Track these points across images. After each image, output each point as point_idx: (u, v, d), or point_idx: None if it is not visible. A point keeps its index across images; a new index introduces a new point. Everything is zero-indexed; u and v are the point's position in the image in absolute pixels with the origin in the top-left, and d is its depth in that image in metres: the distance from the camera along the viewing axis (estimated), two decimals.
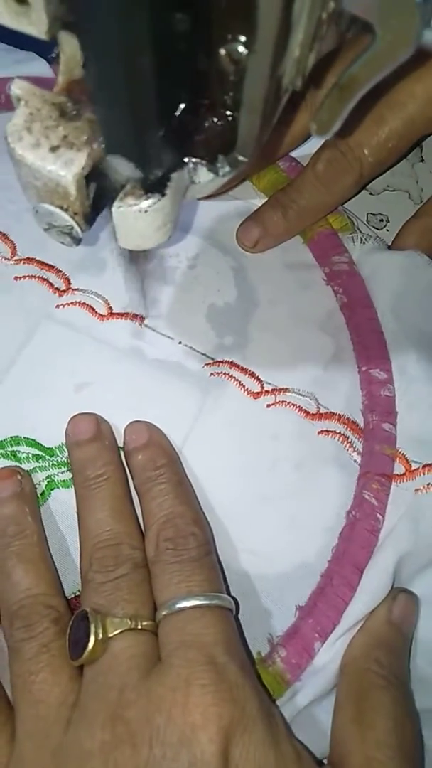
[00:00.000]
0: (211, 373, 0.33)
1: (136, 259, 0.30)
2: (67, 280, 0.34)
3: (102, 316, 0.34)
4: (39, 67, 0.37)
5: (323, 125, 0.22)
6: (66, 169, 0.21)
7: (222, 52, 0.20)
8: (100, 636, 0.24)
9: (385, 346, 0.32)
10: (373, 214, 0.37)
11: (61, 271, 0.34)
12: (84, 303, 0.34)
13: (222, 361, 0.33)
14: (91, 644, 0.24)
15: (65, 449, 0.30)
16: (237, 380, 0.33)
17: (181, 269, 0.35)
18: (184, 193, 0.23)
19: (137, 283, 0.32)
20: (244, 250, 0.35)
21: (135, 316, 0.33)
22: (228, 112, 0.22)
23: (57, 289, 0.34)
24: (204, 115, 0.22)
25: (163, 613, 0.25)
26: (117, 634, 0.24)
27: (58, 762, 0.23)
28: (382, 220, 0.37)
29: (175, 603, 0.25)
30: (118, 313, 0.34)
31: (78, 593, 0.28)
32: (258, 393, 0.32)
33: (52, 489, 0.30)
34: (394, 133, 0.32)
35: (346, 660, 0.27)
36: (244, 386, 0.32)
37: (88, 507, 0.28)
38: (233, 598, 0.27)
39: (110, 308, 0.34)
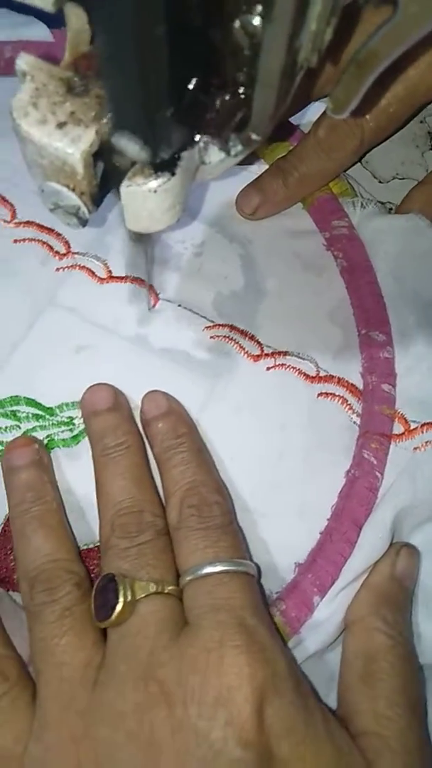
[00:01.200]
0: (212, 336, 0.33)
1: (140, 244, 0.29)
2: (67, 244, 0.34)
3: (101, 279, 0.34)
4: (38, 31, 0.37)
5: (339, 104, 0.22)
6: (73, 146, 0.20)
7: (236, 24, 0.19)
8: (129, 598, 0.24)
9: (384, 309, 0.33)
10: (382, 203, 0.37)
11: (60, 234, 0.34)
12: (83, 266, 0.34)
13: (222, 325, 0.33)
14: (119, 606, 0.24)
15: (65, 409, 0.30)
16: (237, 343, 0.33)
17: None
18: (194, 173, 0.23)
19: (142, 269, 0.32)
20: (243, 218, 0.35)
21: (135, 279, 0.33)
22: (241, 89, 0.21)
23: (57, 252, 0.34)
24: (216, 91, 0.21)
25: (188, 578, 0.25)
26: (144, 597, 0.24)
27: (87, 723, 0.23)
28: (391, 209, 0.37)
29: (201, 568, 0.25)
30: (117, 277, 0.34)
31: (81, 549, 0.28)
32: (258, 356, 0.32)
33: (52, 448, 0.30)
34: (396, 99, 0.32)
35: (353, 617, 0.27)
36: (243, 348, 0.32)
37: (109, 474, 0.28)
38: (256, 564, 0.27)
39: (110, 271, 0.34)
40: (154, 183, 0.21)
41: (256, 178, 0.35)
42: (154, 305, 0.33)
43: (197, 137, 0.22)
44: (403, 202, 0.35)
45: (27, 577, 0.26)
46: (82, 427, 0.30)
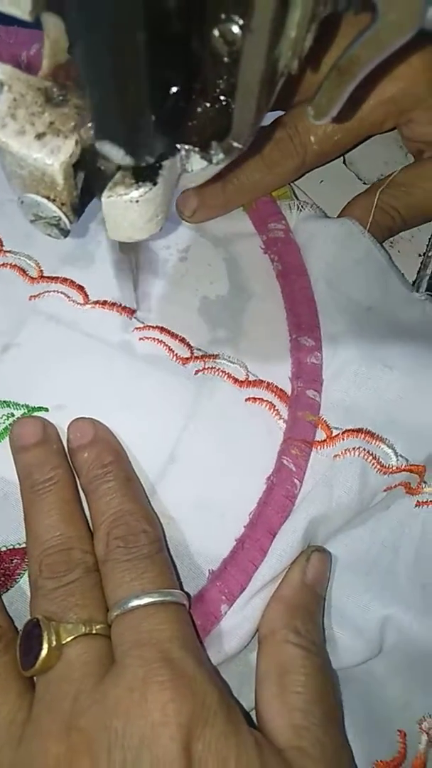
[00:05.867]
0: (140, 338, 0.32)
1: (127, 252, 0.29)
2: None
3: (32, 279, 0.33)
4: None
5: (321, 109, 0.22)
6: (53, 157, 0.20)
7: (215, 33, 0.19)
8: (54, 643, 0.23)
9: (316, 314, 0.32)
10: None
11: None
12: (14, 265, 0.33)
13: (152, 326, 0.32)
14: (44, 652, 0.23)
15: None
16: (166, 345, 0.32)
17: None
18: (176, 181, 0.23)
19: (128, 277, 0.31)
20: (181, 219, 0.35)
21: (65, 280, 0.33)
22: (222, 97, 0.21)
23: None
24: (197, 99, 0.21)
25: (116, 612, 0.24)
26: (71, 640, 0.23)
27: None
28: None
29: (128, 602, 0.24)
30: (48, 277, 0.33)
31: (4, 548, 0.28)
32: (187, 359, 0.32)
33: None
34: (342, 129, 0.32)
35: (264, 631, 0.27)
36: (173, 351, 0.32)
37: (36, 512, 0.27)
38: (186, 593, 0.26)
39: (41, 271, 0.33)
40: (135, 193, 0.21)
41: None
42: (85, 302, 0.33)
43: (178, 145, 0.22)
44: (345, 209, 0.35)
45: None
46: (1, 428, 0.30)
